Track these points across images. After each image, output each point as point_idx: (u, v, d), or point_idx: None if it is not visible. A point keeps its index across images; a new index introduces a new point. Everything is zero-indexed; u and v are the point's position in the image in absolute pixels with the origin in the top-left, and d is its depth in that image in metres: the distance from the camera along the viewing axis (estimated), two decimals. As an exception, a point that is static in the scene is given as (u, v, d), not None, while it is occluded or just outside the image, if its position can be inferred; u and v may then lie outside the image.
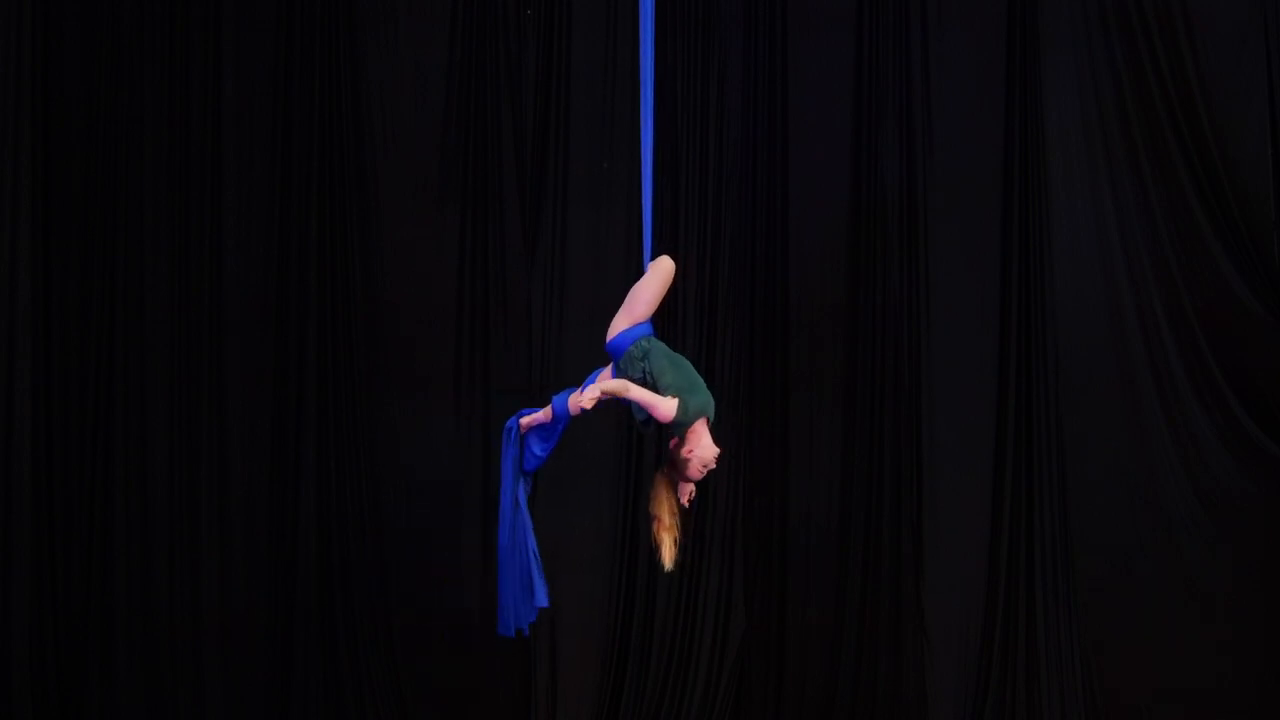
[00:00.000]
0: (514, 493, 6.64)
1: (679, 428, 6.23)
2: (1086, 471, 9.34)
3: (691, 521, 6.13)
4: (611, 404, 6.50)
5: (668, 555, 6.18)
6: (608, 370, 6.55)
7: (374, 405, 9.65)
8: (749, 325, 9.67)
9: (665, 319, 9.49)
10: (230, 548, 9.52)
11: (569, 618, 9.52)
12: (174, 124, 9.60)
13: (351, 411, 9.64)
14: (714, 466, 6.29)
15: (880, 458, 9.49)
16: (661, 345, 6.44)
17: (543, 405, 6.66)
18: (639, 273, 6.79)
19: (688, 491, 6.31)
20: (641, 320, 6.53)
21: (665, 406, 6.20)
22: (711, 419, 6.29)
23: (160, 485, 9.49)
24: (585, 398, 6.29)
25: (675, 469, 6.29)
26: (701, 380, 6.33)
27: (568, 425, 6.59)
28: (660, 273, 6.61)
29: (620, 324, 6.52)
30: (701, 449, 6.23)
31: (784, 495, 9.57)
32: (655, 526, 6.25)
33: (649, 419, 6.36)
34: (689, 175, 9.69)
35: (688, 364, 6.39)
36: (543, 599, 6.65)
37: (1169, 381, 9.23)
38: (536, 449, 6.65)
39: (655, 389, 6.27)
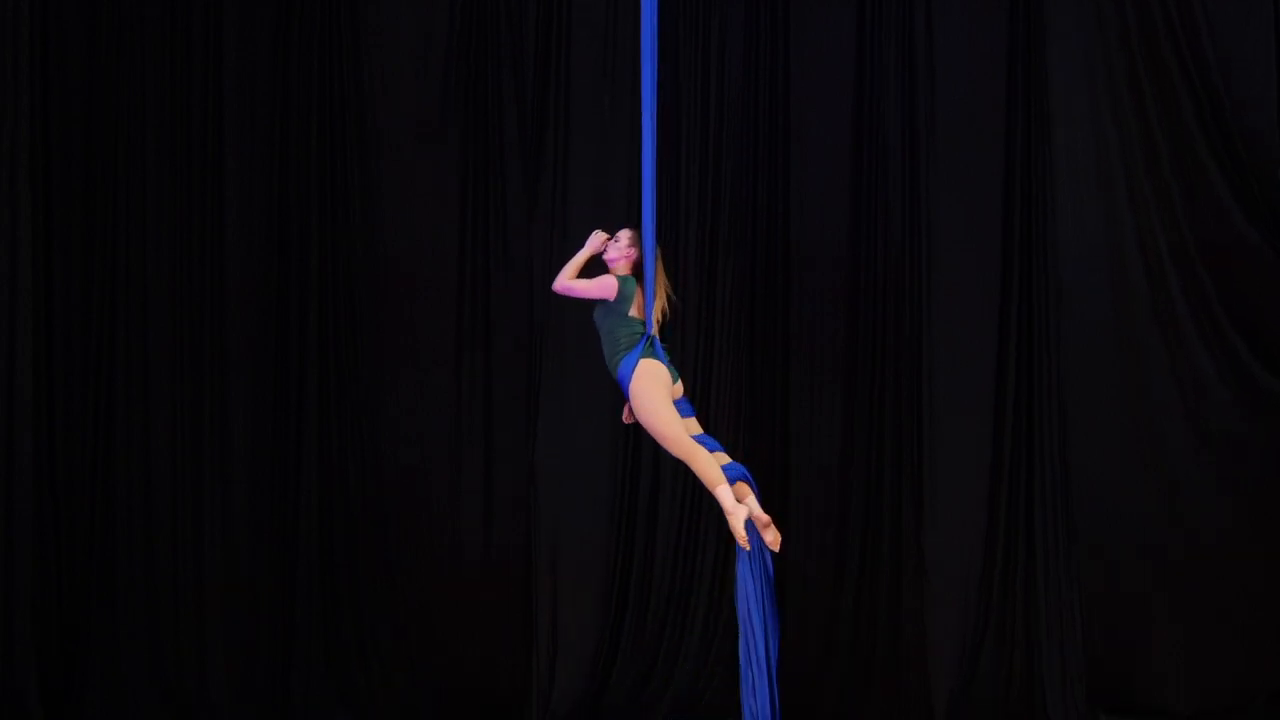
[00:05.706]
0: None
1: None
2: (1088, 422, 9.28)
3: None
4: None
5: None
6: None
7: (376, 375, 9.67)
8: (749, 297, 9.64)
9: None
10: (232, 519, 9.54)
11: (568, 559, 9.60)
12: (174, 106, 9.57)
13: (354, 381, 9.65)
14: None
15: (881, 414, 9.49)
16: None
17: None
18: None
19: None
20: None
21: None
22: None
23: (163, 457, 9.49)
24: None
25: None
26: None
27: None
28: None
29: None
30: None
31: (784, 483, 9.55)
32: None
33: None
34: (689, 145, 9.65)
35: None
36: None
37: (1173, 328, 9.18)
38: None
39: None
